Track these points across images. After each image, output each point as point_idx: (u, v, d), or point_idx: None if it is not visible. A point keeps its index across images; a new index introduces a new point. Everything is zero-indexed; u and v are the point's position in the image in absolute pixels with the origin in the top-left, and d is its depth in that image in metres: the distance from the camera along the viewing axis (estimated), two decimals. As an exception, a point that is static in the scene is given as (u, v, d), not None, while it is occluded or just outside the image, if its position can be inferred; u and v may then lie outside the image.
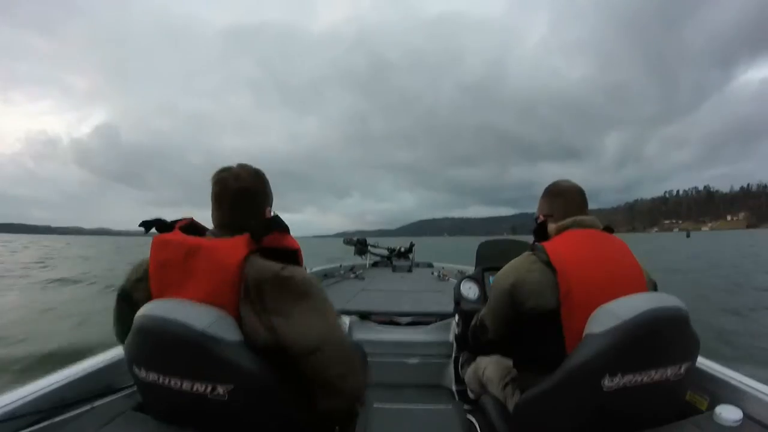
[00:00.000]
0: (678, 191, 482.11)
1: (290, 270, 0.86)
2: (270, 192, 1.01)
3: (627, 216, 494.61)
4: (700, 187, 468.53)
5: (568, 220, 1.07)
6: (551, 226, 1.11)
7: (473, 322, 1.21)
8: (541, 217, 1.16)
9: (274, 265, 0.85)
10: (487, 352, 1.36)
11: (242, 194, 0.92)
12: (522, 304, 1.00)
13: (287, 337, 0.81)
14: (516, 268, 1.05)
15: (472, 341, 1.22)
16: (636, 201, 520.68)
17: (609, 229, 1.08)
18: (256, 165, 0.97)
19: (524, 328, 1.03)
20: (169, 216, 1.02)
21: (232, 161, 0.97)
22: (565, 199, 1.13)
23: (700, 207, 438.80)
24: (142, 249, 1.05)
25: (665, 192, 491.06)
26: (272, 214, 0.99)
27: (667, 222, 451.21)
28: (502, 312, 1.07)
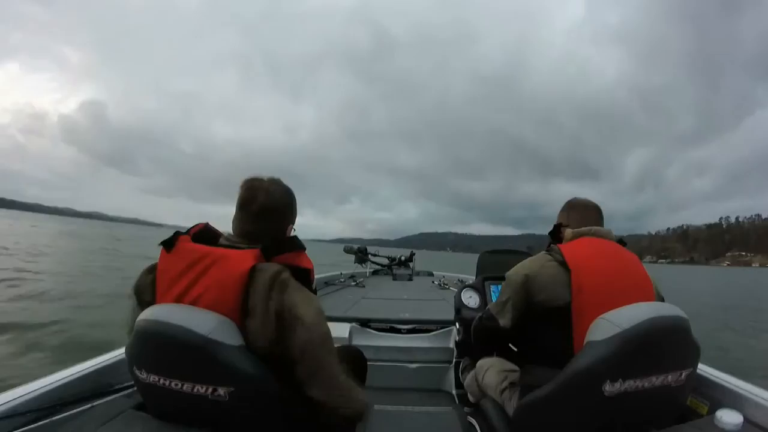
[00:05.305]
0: (737, 218, 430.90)
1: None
2: (295, 211, 1.02)
3: (683, 245, 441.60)
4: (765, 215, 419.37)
5: (584, 228, 1.12)
6: (567, 231, 1.15)
7: (480, 314, 1.22)
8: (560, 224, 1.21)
9: (272, 275, 0.84)
10: (492, 345, 1.33)
11: (270, 210, 0.94)
12: (533, 297, 1.04)
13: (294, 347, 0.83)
14: (531, 263, 1.10)
15: (478, 334, 1.24)
16: (686, 227, 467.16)
17: (622, 243, 1.12)
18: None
19: (533, 322, 1.06)
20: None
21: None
22: (583, 211, 1.18)
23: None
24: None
25: (721, 218, 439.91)
26: (293, 232, 1.01)
27: (736, 254, 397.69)
28: (512, 302, 1.10)
